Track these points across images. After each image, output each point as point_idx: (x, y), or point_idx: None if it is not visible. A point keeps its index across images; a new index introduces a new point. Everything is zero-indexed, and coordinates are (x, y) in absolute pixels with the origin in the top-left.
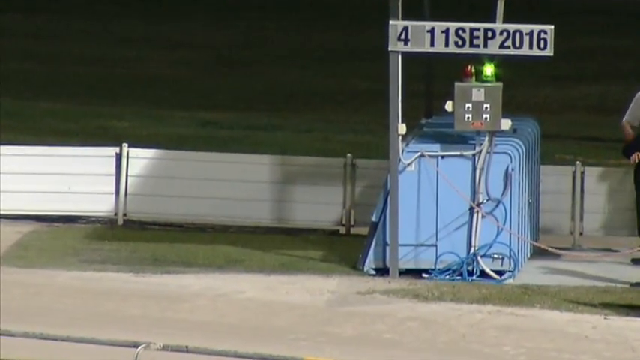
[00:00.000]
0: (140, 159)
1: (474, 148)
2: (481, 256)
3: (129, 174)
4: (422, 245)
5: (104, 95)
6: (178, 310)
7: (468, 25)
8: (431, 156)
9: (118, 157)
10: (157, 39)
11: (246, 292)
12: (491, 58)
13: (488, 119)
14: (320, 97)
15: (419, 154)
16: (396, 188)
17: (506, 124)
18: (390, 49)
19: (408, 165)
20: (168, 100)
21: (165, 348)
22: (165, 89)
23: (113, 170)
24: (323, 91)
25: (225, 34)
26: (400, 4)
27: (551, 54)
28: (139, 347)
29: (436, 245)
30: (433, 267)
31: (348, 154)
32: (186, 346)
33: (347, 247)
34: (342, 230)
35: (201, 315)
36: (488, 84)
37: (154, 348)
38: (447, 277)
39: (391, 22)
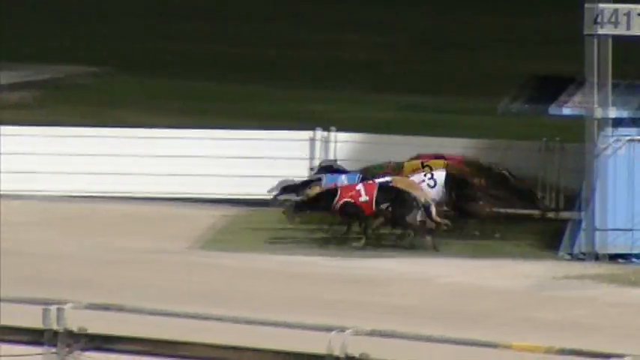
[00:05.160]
0: (341, 142)
1: None
2: None
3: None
4: (624, 230)
5: (304, 79)
6: (375, 294)
7: None
8: None
9: (312, 140)
10: (361, 23)
11: (445, 277)
12: None
13: None
14: (523, 81)
15: (628, 138)
16: (603, 173)
17: None
18: (585, 32)
19: (618, 149)
20: (366, 84)
21: (372, 333)
22: (363, 73)
23: (307, 154)
24: (526, 75)
25: (425, 19)
26: None
27: None
28: (347, 332)
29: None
30: (631, 252)
31: (545, 138)
32: (389, 331)
33: (547, 231)
34: (549, 215)
35: (400, 299)
36: None
37: (361, 333)
38: None
39: (586, 5)
